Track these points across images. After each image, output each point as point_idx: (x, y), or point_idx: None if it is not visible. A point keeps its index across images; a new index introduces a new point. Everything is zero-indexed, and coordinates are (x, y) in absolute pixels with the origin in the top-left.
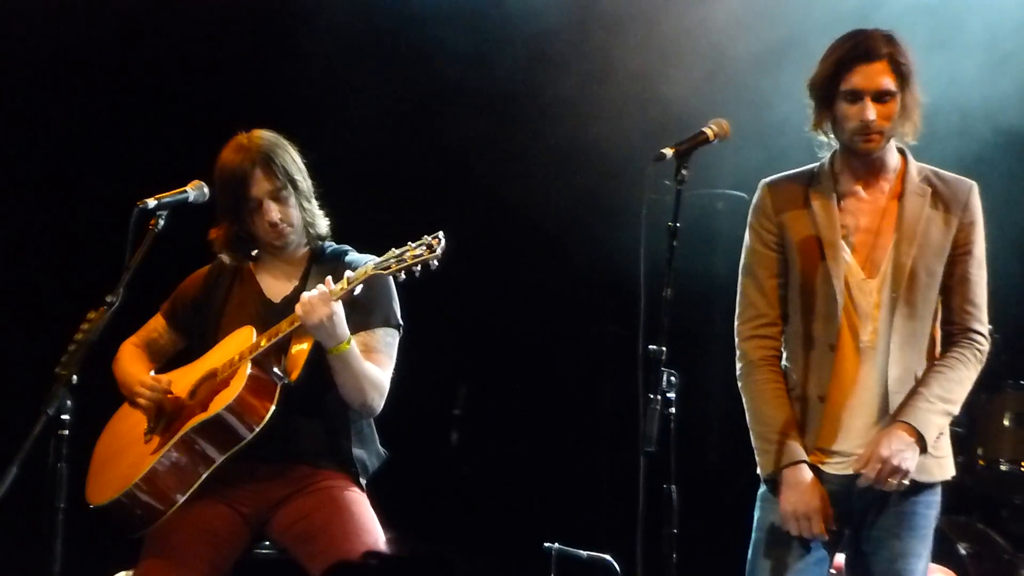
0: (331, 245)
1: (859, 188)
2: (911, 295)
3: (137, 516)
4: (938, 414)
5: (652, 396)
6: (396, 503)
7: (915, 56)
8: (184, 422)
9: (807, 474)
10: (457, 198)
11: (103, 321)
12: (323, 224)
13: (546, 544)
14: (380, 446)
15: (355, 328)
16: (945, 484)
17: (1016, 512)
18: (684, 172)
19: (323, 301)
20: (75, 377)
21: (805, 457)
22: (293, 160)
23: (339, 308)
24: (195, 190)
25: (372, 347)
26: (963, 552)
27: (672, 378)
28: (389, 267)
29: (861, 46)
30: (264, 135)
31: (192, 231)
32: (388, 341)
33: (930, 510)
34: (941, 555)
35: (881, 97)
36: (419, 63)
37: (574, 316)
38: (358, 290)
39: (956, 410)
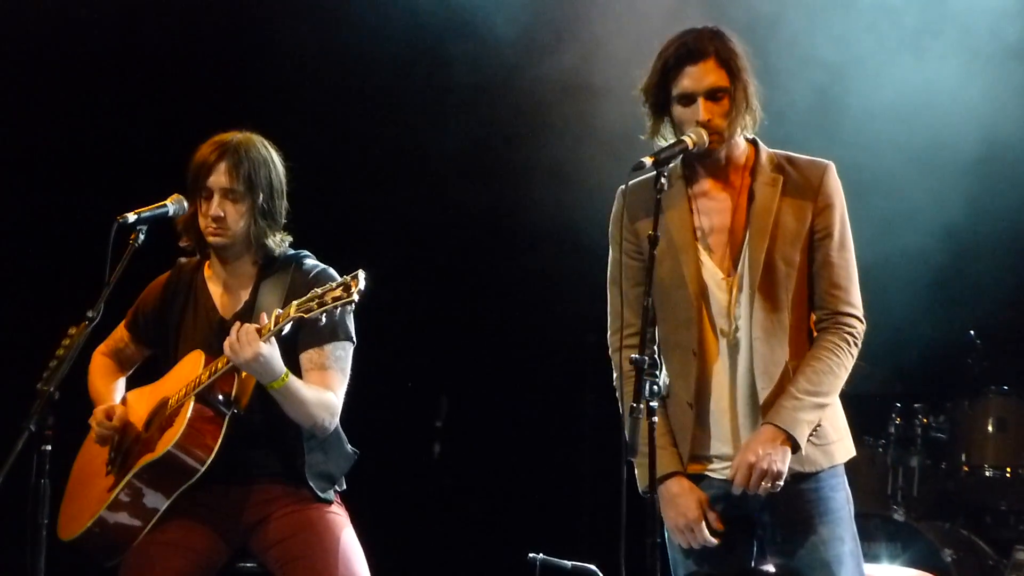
0: (285, 252)
1: (710, 188)
2: (770, 288)
3: (110, 544)
4: (806, 409)
5: (635, 405)
6: (379, 515)
7: (743, 48)
8: (136, 458)
9: (678, 485)
10: (438, 208)
11: (84, 336)
12: (274, 243)
13: (530, 555)
14: (348, 446)
15: (304, 345)
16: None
17: (1000, 518)
18: (663, 181)
19: (248, 342)
20: (57, 393)
21: (676, 468)
22: (267, 173)
23: (267, 348)
24: (175, 204)
25: (321, 364)
26: (948, 559)
27: (655, 387)
28: (311, 309)
29: (685, 47)
30: (252, 137)
31: (173, 245)
32: (339, 355)
33: (836, 492)
34: (926, 561)
35: (713, 95)
36: (407, 68)
37: (555, 326)
38: (287, 329)
39: (828, 399)
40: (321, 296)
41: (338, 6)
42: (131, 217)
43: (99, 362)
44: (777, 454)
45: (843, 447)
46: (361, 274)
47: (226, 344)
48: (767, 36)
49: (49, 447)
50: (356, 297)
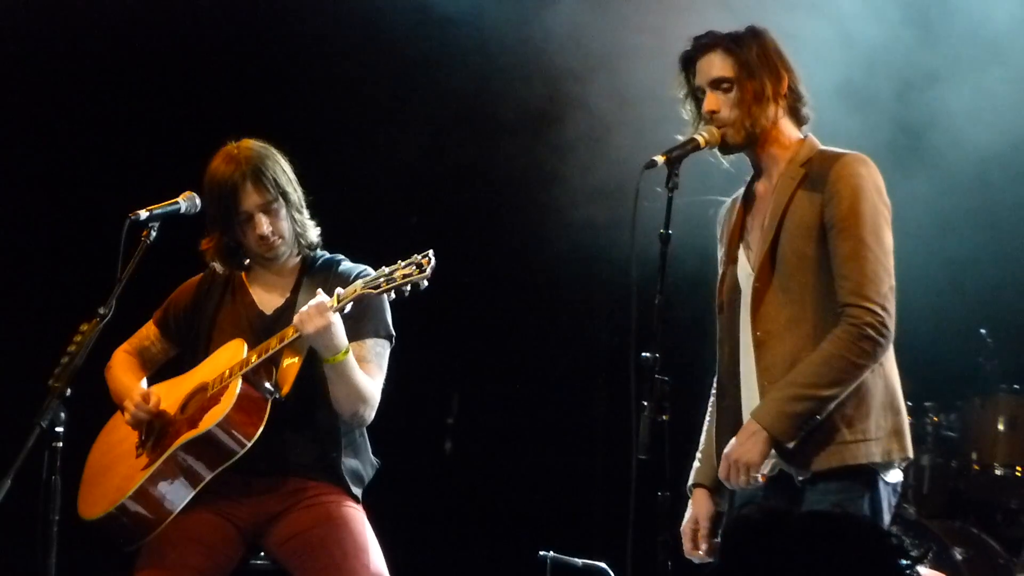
0: (323, 255)
1: (759, 186)
2: (785, 281)
3: (130, 530)
4: (790, 400)
5: (645, 403)
6: (391, 513)
7: (774, 44)
8: (174, 438)
9: (695, 498)
10: (449, 207)
11: (95, 333)
12: (314, 234)
13: (541, 552)
14: (373, 455)
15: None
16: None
17: (1011, 516)
18: (675, 179)
19: (320, 312)
20: (68, 389)
21: (698, 480)
22: (284, 171)
23: (337, 319)
24: (187, 201)
25: (362, 357)
26: (958, 557)
27: (665, 386)
28: (379, 286)
29: (695, 43)
30: (253, 145)
31: (185, 242)
32: (378, 351)
33: (857, 496)
34: (936, 560)
35: (718, 85)
36: (416, 72)
37: (567, 324)
38: (348, 308)
39: (824, 392)
40: (390, 274)
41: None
42: (143, 214)
43: (121, 359)
44: (748, 445)
45: (862, 448)
46: (431, 253)
47: (296, 317)
48: None
49: (60, 444)
50: (429, 274)
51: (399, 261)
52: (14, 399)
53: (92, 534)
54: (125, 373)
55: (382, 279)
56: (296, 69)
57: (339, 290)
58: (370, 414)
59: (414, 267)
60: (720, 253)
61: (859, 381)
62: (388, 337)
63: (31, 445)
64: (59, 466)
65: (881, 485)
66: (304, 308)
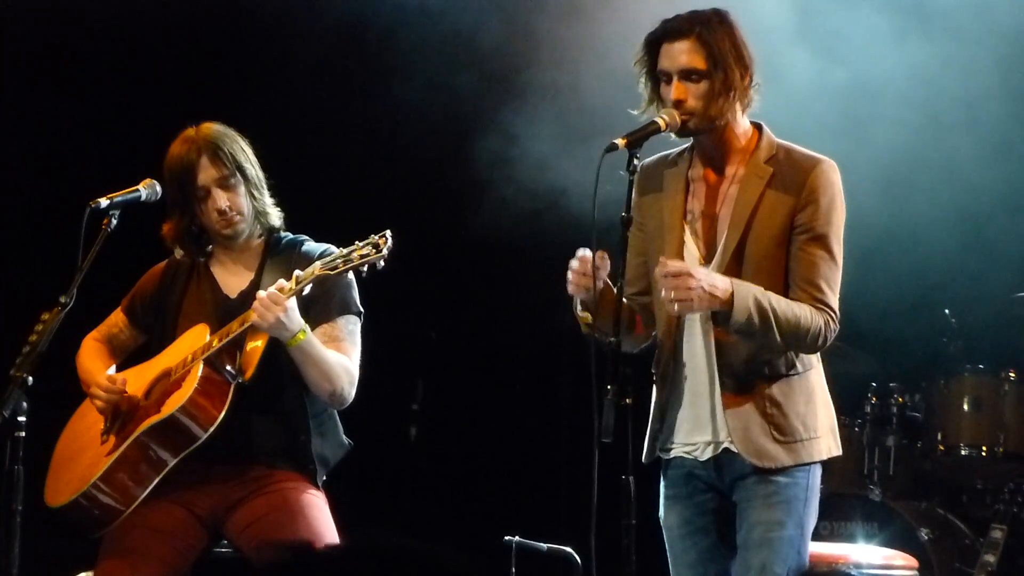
0: (286, 235)
1: (707, 171)
2: (750, 281)
3: (96, 516)
4: (764, 296)
5: (608, 387)
6: (355, 498)
7: (742, 36)
8: (138, 423)
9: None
10: (415, 192)
11: (57, 322)
12: (275, 215)
13: (506, 537)
14: (344, 436)
15: (316, 321)
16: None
17: (977, 496)
18: (636, 162)
19: (275, 301)
20: (30, 378)
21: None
22: (242, 149)
23: (292, 303)
24: (147, 188)
25: (334, 336)
26: (924, 538)
27: (628, 369)
28: (336, 267)
29: (667, 25)
30: (212, 126)
31: (145, 230)
32: (350, 329)
33: (794, 484)
34: (902, 541)
35: (687, 76)
36: (376, 53)
37: (532, 308)
38: (307, 289)
39: (779, 316)
40: (348, 255)
41: None
42: (104, 202)
43: (90, 346)
44: (716, 281)
45: (814, 446)
46: (389, 233)
47: (252, 308)
48: None
49: (23, 433)
50: (386, 254)
51: (356, 242)
52: None
53: (58, 521)
54: (93, 360)
55: (339, 259)
56: (262, 54)
57: (297, 272)
58: (349, 390)
59: (371, 247)
60: (638, 217)
61: (790, 351)
62: (357, 313)
63: None
64: (21, 455)
65: (817, 471)
66: (260, 295)
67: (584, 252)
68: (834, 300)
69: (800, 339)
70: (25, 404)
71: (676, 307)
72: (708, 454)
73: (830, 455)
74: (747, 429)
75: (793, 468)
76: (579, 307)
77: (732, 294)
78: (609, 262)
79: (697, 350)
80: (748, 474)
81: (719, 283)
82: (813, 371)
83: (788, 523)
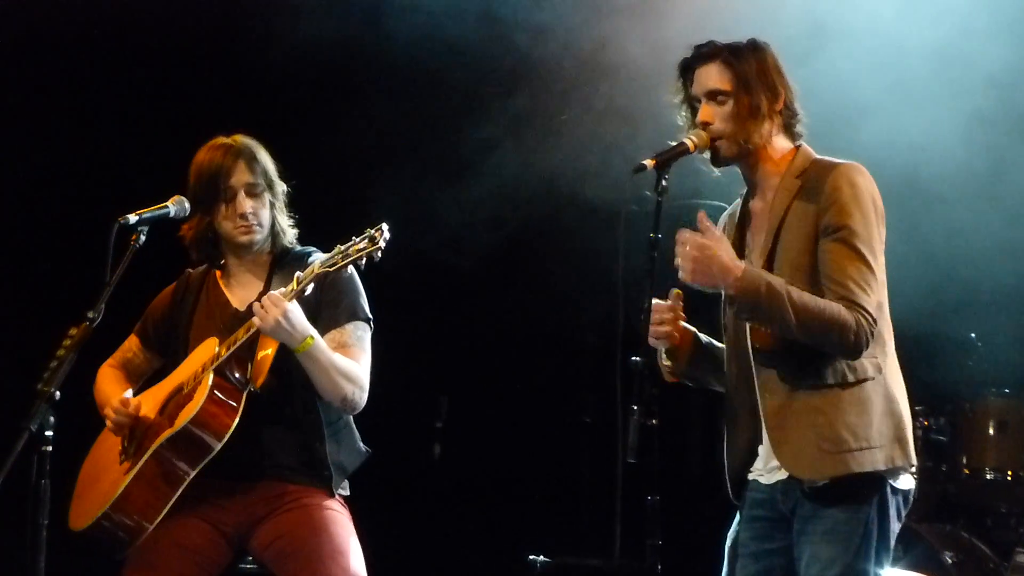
0: (295, 247)
1: (754, 204)
2: None
3: (119, 536)
4: (778, 284)
5: (634, 407)
6: (379, 516)
7: (773, 59)
8: (153, 439)
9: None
10: (437, 210)
11: (84, 337)
12: (291, 234)
13: (531, 556)
14: (361, 443)
15: (325, 327)
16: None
17: (1001, 520)
18: (664, 183)
19: (275, 303)
20: (57, 393)
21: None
22: (273, 165)
23: (294, 306)
24: (176, 205)
25: (344, 342)
26: (948, 561)
27: (654, 389)
28: (335, 263)
29: (698, 50)
30: (247, 138)
31: (173, 247)
32: (359, 335)
33: (852, 510)
34: (926, 564)
35: (714, 97)
36: (396, 62)
37: (555, 327)
38: (309, 289)
39: (795, 300)
40: (345, 250)
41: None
42: (132, 218)
43: (106, 372)
44: (727, 259)
45: (866, 456)
46: (385, 226)
47: (255, 308)
48: None
49: (49, 448)
50: (383, 246)
51: (353, 237)
52: (3, 403)
53: (84, 545)
54: (109, 384)
55: (338, 255)
56: (286, 69)
57: (298, 274)
58: (360, 396)
59: (367, 240)
60: None
61: (825, 348)
62: (366, 320)
63: (20, 449)
64: (48, 470)
65: (889, 492)
66: (260, 301)
67: (656, 303)
68: (865, 299)
69: (827, 332)
70: (52, 419)
71: (686, 274)
72: (774, 478)
73: (892, 465)
74: (792, 442)
75: (852, 500)
76: (663, 357)
77: (744, 270)
78: (682, 301)
79: (744, 368)
80: (805, 503)
81: (725, 257)
82: (870, 382)
83: (839, 561)
